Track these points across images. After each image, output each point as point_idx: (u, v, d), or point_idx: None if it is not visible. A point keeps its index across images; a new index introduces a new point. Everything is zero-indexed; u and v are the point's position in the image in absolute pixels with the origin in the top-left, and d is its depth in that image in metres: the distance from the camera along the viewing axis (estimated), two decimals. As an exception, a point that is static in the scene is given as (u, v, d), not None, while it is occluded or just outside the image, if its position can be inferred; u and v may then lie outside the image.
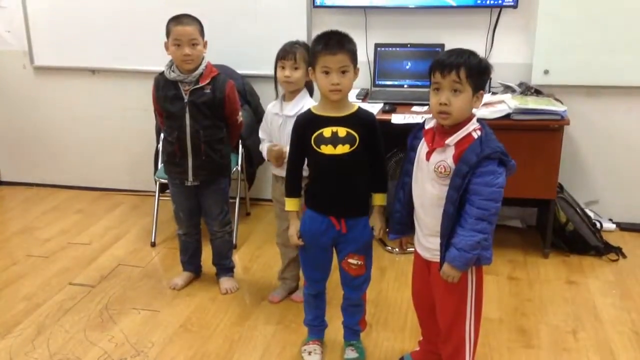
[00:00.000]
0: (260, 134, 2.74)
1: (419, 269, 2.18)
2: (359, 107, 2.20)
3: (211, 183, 2.84)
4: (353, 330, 2.44)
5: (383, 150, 2.24)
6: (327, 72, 2.08)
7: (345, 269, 2.31)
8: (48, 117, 4.30)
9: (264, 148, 2.69)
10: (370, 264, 2.33)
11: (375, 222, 2.26)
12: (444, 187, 1.92)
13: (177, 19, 2.65)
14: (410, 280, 2.26)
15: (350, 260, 2.28)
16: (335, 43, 2.08)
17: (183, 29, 2.61)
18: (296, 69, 2.51)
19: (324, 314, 2.48)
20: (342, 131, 2.12)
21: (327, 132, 2.13)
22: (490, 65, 1.95)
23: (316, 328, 2.48)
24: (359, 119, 2.16)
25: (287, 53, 2.52)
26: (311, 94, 2.62)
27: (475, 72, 1.87)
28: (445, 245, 1.93)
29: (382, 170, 2.26)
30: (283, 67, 2.53)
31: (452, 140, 1.90)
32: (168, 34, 2.65)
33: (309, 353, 2.43)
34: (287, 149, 2.44)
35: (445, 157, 1.92)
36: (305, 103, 2.54)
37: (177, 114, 2.70)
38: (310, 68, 2.17)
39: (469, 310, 2.03)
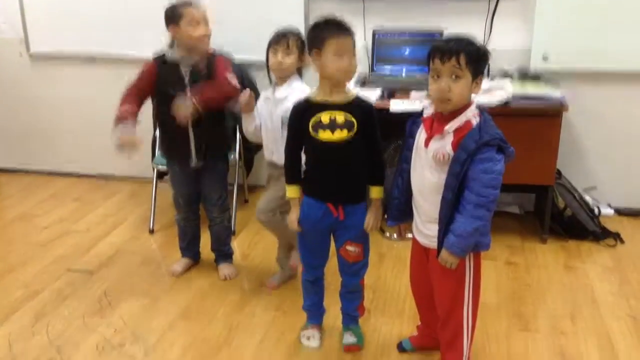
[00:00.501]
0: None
1: (417, 256, 2.18)
2: (357, 95, 2.19)
3: (209, 166, 2.84)
4: (351, 316, 2.45)
5: (380, 140, 2.22)
6: (340, 55, 2.08)
7: (343, 256, 2.31)
8: (45, 104, 4.28)
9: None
10: (367, 250, 2.33)
11: (369, 215, 2.24)
12: (442, 174, 1.91)
13: (186, 2, 2.65)
14: (408, 266, 2.26)
15: (349, 248, 2.28)
16: (345, 27, 2.10)
17: (198, 10, 2.64)
18: (288, 54, 2.51)
19: (322, 300, 2.49)
20: (340, 116, 2.12)
21: (325, 117, 2.12)
22: (488, 51, 1.94)
23: (314, 313, 2.49)
24: (357, 106, 2.15)
25: (280, 38, 2.52)
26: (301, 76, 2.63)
27: (474, 57, 1.86)
28: (444, 231, 1.93)
29: (379, 161, 2.25)
30: (275, 53, 2.52)
31: (450, 127, 1.89)
32: (179, 17, 2.62)
33: (308, 338, 2.44)
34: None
35: (444, 144, 1.91)
36: (296, 86, 2.54)
37: (178, 95, 2.69)
38: (314, 51, 2.11)
39: (466, 296, 2.04)
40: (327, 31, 2.09)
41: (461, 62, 1.85)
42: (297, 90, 2.51)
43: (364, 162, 2.19)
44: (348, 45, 2.08)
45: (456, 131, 1.89)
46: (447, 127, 1.90)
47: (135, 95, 2.76)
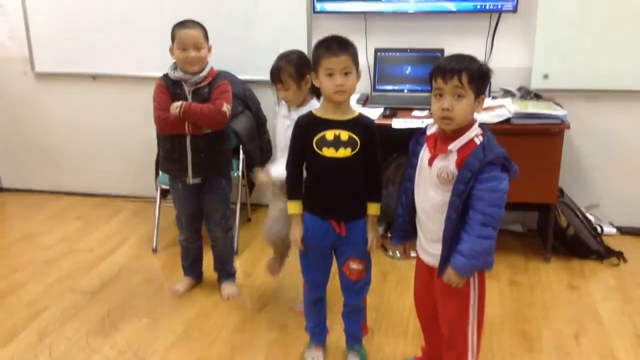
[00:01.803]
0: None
1: (422, 274, 2.17)
2: (360, 113, 2.21)
3: (213, 184, 2.84)
4: (355, 336, 2.44)
5: (379, 158, 2.23)
6: (330, 74, 2.09)
7: (346, 274, 2.31)
8: (49, 123, 4.31)
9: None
10: (370, 267, 2.33)
11: (370, 233, 2.25)
12: (446, 193, 1.91)
13: (182, 24, 2.70)
14: (412, 285, 2.26)
15: (352, 265, 2.28)
16: (337, 45, 2.10)
17: (188, 32, 2.66)
18: (287, 89, 2.54)
19: (324, 320, 2.48)
20: (344, 135, 2.13)
21: (329, 135, 2.14)
22: (490, 70, 1.95)
23: (318, 334, 2.48)
24: (360, 124, 2.17)
25: (273, 76, 2.56)
26: (318, 97, 2.59)
27: (476, 76, 1.87)
28: (448, 251, 1.93)
29: (378, 179, 2.26)
30: (277, 90, 2.57)
31: (454, 146, 1.90)
32: (173, 38, 2.69)
33: (312, 358, 2.44)
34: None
35: (448, 163, 1.91)
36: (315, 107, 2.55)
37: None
38: (312, 73, 2.17)
39: (471, 316, 2.03)
40: (318, 51, 2.12)
41: (463, 81, 1.86)
42: None
43: (364, 178, 2.20)
44: (339, 65, 2.08)
45: (460, 150, 1.90)
46: (450, 147, 1.90)
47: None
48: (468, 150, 1.89)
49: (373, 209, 2.25)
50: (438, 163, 1.94)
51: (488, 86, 1.95)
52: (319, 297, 2.41)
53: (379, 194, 2.25)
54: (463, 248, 1.89)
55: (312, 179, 2.25)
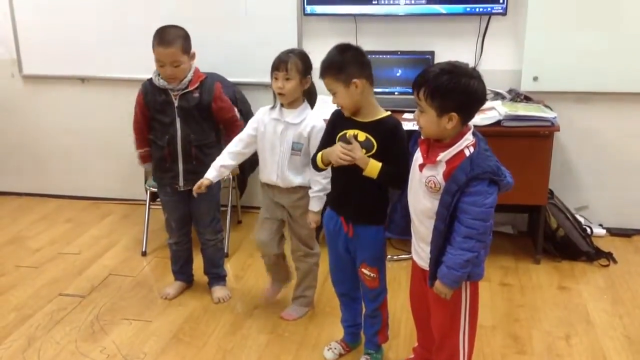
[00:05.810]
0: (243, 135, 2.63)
1: (416, 277, 2.17)
2: (389, 116, 2.19)
3: None
4: (371, 340, 2.44)
5: (402, 156, 2.12)
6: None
7: (361, 278, 2.33)
8: (37, 125, 4.27)
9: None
10: (383, 276, 2.33)
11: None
12: (435, 201, 1.90)
13: (159, 37, 2.60)
14: (403, 288, 2.28)
15: (364, 271, 2.30)
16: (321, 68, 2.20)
17: (164, 51, 2.58)
18: (288, 79, 2.43)
19: (353, 319, 2.50)
20: (362, 136, 2.14)
21: (349, 133, 2.15)
22: (468, 87, 1.84)
23: (346, 330, 2.52)
24: (381, 126, 2.15)
25: (279, 63, 2.45)
26: (312, 105, 2.56)
27: (437, 93, 1.82)
28: (436, 261, 1.93)
29: (399, 168, 2.11)
30: (276, 78, 2.46)
31: (443, 157, 1.88)
32: (153, 51, 2.63)
33: (329, 349, 2.49)
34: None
35: (436, 173, 1.90)
36: (308, 114, 2.51)
37: (167, 119, 2.70)
38: (365, 76, 2.15)
39: (462, 323, 2.03)
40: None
41: (421, 96, 1.86)
42: (311, 116, 2.51)
43: (380, 185, 2.16)
44: (327, 86, 2.19)
45: (449, 161, 1.88)
46: (440, 157, 1.89)
47: (142, 133, 2.82)
48: (457, 161, 1.87)
49: (374, 165, 2.09)
50: (427, 171, 1.93)
51: (466, 104, 1.87)
52: (340, 292, 2.46)
53: (389, 171, 2.10)
54: (446, 259, 1.89)
55: (332, 172, 2.29)
